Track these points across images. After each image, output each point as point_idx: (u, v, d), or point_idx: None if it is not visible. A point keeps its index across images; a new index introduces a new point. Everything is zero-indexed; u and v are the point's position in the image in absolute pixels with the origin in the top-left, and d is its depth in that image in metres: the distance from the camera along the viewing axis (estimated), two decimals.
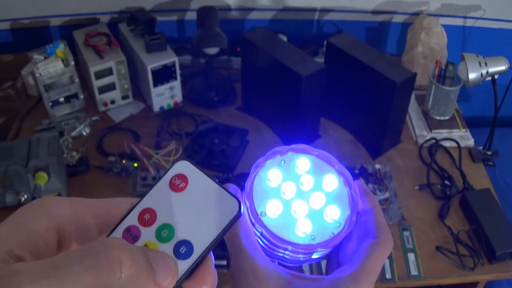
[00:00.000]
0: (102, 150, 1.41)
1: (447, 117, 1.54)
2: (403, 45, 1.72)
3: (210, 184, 0.31)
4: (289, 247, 0.37)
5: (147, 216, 0.31)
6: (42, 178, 1.18)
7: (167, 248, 0.30)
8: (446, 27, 1.66)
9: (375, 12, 1.76)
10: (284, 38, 1.63)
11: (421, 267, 1.17)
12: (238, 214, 0.30)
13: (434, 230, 1.25)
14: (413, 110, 1.58)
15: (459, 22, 1.76)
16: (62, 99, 1.49)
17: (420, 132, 1.51)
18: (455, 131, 1.51)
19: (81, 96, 1.52)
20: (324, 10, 1.75)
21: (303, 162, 0.40)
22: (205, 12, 1.45)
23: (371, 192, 0.40)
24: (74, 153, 1.36)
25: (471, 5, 1.71)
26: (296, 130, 1.39)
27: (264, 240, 0.38)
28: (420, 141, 1.48)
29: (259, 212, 0.38)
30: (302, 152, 0.41)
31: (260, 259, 0.35)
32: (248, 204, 0.38)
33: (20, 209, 0.27)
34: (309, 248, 0.37)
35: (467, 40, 1.80)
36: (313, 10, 1.75)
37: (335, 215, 0.38)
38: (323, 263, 1.13)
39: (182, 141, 1.43)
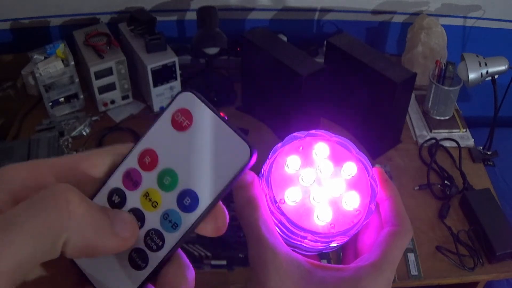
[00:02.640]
0: None
1: (447, 117, 1.54)
2: (403, 45, 1.72)
3: (218, 123, 0.27)
4: (309, 236, 0.36)
5: (148, 158, 0.27)
6: None
7: (170, 197, 0.27)
8: (446, 27, 1.66)
9: (375, 12, 1.76)
10: (284, 38, 1.63)
11: (421, 267, 1.17)
12: (248, 162, 0.26)
13: (434, 230, 1.25)
14: (413, 110, 1.58)
15: (459, 22, 1.76)
16: (62, 99, 1.49)
17: (420, 132, 1.51)
18: (455, 131, 1.51)
19: (81, 96, 1.52)
20: (324, 10, 1.75)
21: (321, 148, 0.39)
22: (205, 12, 1.45)
23: (390, 180, 0.39)
24: (74, 153, 1.36)
25: (471, 5, 1.71)
26: (296, 130, 1.39)
27: (283, 228, 0.37)
28: (420, 141, 1.48)
29: (278, 200, 0.37)
30: (320, 138, 0.40)
31: (280, 249, 0.34)
32: (266, 191, 0.37)
33: None
34: (328, 237, 0.37)
35: (467, 40, 1.80)
36: (313, 10, 1.75)
37: (354, 203, 0.37)
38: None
39: None
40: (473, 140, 1.49)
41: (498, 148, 1.50)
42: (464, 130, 1.51)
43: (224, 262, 1.14)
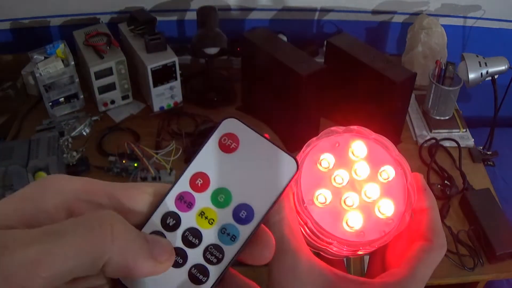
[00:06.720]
0: (102, 150, 1.41)
1: (447, 117, 1.54)
2: (403, 45, 1.72)
3: (262, 142, 0.29)
4: (335, 242, 0.34)
5: (200, 181, 0.29)
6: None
7: (226, 213, 0.29)
8: (446, 27, 1.66)
9: (375, 12, 1.76)
10: (284, 38, 1.63)
11: None
12: (295, 172, 0.29)
13: None
14: (413, 110, 1.58)
15: (459, 22, 1.76)
16: (62, 99, 1.49)
17: (420, 132, 1.51)
18: (455, 131, 1.51)
19: (81, 96, 1.52)
20: (324, 10, 1.75)
21: (359, 147, 0.36)
22: (205, 12, 1.45)
23: (429, 189, 0.36)
24: (74, 153, 1.36)
25: (471, 5, 1.71)
26: (296, 130, 1.39)
27: (308, 231, 0.34)
28: (420, 141, 1.48)
29: (306, 200, 0.34)
30: (359, 135, 0.36)
31: (302, 254, 0.32)
32: (294, 189, 0.34)
33: (29, 185, 0.26)
34: (356, 245, 0.34)
35: (467, 40, 1.80)
36: (313, 10, 1.75)
37: (388, 211, 0.34)
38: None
39: (182, 141, 1.43)
40: (473, 140, 1.49)
41: (498, 148, 1.50)
42: (464, 130, 1.51)
43: None
